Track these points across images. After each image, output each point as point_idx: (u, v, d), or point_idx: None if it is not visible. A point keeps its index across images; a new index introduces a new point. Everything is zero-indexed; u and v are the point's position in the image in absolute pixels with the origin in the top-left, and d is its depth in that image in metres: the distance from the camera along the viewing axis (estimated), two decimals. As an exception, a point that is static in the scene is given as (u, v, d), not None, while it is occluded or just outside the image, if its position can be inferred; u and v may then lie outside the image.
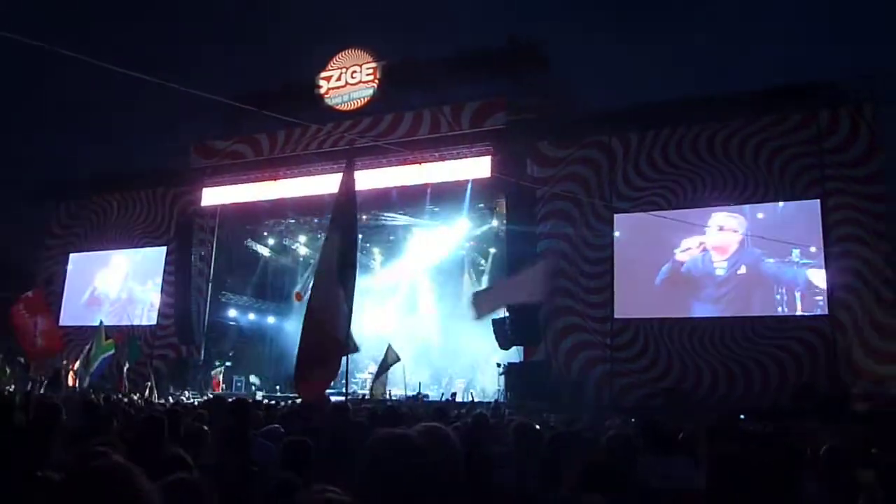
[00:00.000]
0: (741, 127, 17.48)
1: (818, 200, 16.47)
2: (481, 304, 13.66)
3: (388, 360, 17.06)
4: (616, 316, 17.93)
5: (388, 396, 18.85)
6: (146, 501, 1.60)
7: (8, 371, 18.47)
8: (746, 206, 17.23)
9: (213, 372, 20.49)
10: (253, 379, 22.00)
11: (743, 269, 17.03)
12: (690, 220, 17.38)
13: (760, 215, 17.14)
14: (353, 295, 6.46)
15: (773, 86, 17.70)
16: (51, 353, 17.01)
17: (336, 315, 6.30)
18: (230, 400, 7.95)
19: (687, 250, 17.63)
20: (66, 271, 26.67)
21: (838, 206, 16.18)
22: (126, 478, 1.62)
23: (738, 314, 16.82)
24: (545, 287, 15.58)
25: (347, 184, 7.20)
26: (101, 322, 20.49)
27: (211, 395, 19.07)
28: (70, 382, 18.61)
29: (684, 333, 17.05)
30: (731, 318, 16.81)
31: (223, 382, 20.85)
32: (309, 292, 6.57)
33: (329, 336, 6.15)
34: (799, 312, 16.37)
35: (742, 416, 10.26)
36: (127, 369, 18.94)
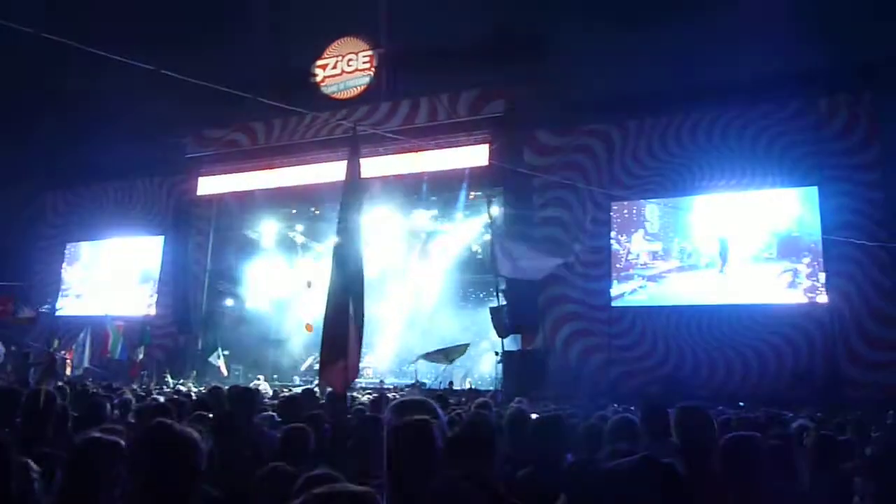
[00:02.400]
0: (740, 114, 17.44)
1: (816, 188, 16.47)
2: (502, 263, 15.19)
3: (450, 354, 17.01)
4: (613, 304, 17.96)
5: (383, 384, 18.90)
6: None
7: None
8: (745, 193, 17.24)
9: (212, 358, 20.29)
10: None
11: (740, 257, 17.05)
12: (687, 208, 17.38)
13: (757, 202, 17.14)
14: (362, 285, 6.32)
15: (772, 73, 17.59)
16: None
17: (358, 305, 6.15)
18: (230, 388, 7.97)
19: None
20: (62, 261, 26.65)
21: (836, 194, 16.18)
22: None
23: (735, 302, 16.83)
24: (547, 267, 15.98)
25: (353, 167, 6.97)
26: (108, 315, 20.84)
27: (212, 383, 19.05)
28: (67, 371, 18.72)
29: (682, 321, 17.07)
30: (729, 307, 16.82)
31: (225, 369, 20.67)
32: (330, 281, 6.41)
33: (352, 325, 6.04)
34: (796, 301, 16.38)
35: (741, 404, 10.29)
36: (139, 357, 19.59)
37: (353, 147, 7.09)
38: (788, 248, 16.61)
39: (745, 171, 17.11)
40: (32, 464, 2.84)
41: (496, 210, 19.02)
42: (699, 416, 3.81)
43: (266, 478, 3.20)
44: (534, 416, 5.41)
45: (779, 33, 15.40)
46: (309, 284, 21.79)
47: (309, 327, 20.55)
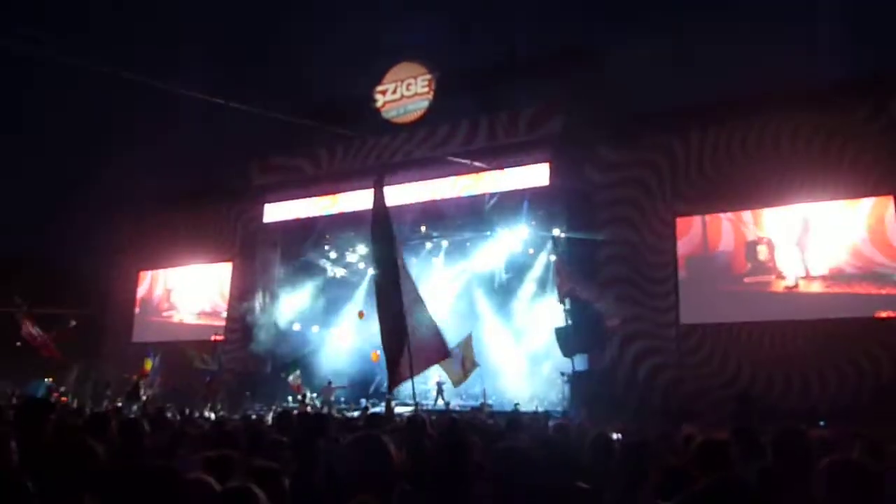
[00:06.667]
0: (806, 121, 16.86)
1: (892, 197, 15.85)
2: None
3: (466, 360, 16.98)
4: (682, 321, 17.58)
5: (446, 406, 18.91)
6: None
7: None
8: (816, 204, 16.71)
9: (290, 378, 20.80)
10: (311, 394, 21.73)
11: (815, 270, 16.53)
12: (756, 221, 16.96)
13: (829, 213, 16.60)
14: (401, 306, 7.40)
15: (839, 78, 17.05)
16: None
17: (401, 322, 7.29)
18: (305, 413, 8.18)
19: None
20: (136, 288, 27.57)
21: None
22: None
23: (811, 317, 16.27)
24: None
25: (379, 202, 8.16)
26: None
27: (292, 401, 19.80)
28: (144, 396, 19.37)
29: (754, 337, 16.59)
30: (804, 322, 16.26)
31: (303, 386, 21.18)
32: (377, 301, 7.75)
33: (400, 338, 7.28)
34: (873, 314, 15.73)
35: (822, 423, 9.93)
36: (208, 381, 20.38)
37: (378, 190, 8.32)
38: (862, 260, 16.00)
39: (815, 181, 16.50)
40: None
41: (557, 232, 18.94)
42: (797, 438, 3.70)
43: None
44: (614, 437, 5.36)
45: (842, 36, 15.00)
46: (361, 315, 22.08)
47: (361, 314, 21.40)
